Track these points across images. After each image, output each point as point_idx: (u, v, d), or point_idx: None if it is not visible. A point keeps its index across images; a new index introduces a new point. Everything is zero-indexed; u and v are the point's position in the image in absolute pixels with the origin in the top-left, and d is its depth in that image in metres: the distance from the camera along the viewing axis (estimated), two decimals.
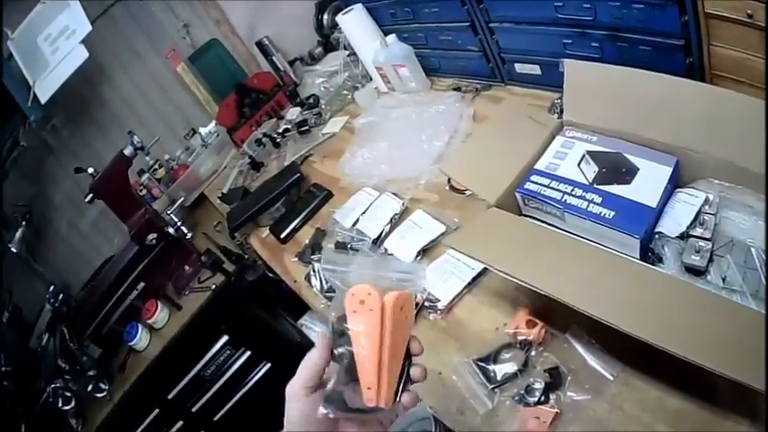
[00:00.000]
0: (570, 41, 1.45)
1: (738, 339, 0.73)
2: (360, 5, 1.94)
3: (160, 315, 1.87)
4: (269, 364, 2.00)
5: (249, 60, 2.42)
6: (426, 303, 1.19)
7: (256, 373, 2.01)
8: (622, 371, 0.91)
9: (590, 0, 1.32)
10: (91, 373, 1.79)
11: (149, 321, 1.86)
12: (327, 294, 1.34)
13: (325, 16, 2.36)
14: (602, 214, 0.99)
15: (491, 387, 0.99)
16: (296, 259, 1.55)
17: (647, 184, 1.02)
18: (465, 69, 1.88)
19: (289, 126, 2.09)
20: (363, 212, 1.52)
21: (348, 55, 2.14)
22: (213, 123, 2.33)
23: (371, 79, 2.10)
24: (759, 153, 0.89)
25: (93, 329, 1.88)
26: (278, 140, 2.08)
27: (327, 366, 0.70)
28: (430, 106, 1.80)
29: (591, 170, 1.08)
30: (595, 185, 1.05)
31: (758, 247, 0.87)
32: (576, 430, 0.88)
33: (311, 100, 2.14)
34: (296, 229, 1.67)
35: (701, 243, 0.91)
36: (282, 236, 1.65)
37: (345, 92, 2.13)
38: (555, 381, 0.94)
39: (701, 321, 0.76)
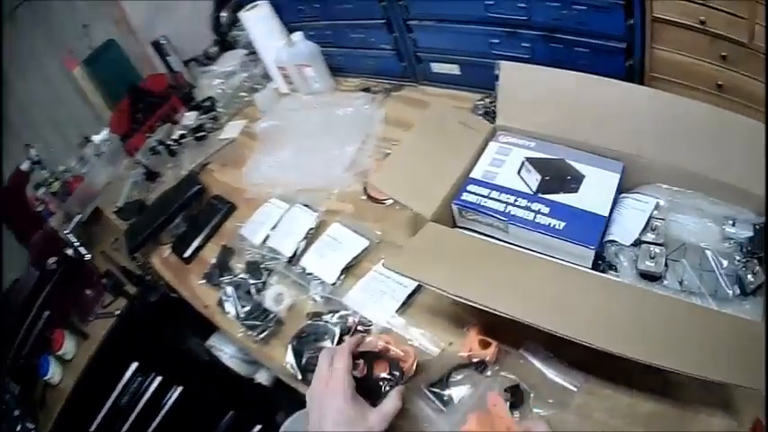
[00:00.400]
0: (498, 41, 1.40)
1: (701, 339, 0.75)
2: (265, 1, 1.80)
3: (68, 345, 1.67)
4: (180, 388, 1.83)
5: (145, 62, 2.20)
6: (360, 328, 1.08)
7: (169, 398, 1.83)
8: (585, 381, 0.89)
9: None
10: (16, 412, 1.61)
11: (59, 353, 1.66)
12: (246, 322, 1.19)
13: (224, 13, 2.19)
14: (552, 225, 0.94)
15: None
16: (203, 281, 1.38)
17: (596, 192, 0.99)
18: (374, 68, 1.80)
19: (184, 132, 1.90)
20: (273, 227, 1.38)
21: (247, 54, 2.00)
22: (107, 131, 2.08)
23: (271, 80, 1.96)
24: (707, 156, 0.93)
25: (8, 365, 1.70)
26: (173, 148, 1.88)
27: None
28: (337, 108, 1.69)
29: (533, 178, 1.02)
30: (540, 195, 1.00)
31: (712, 249, 0.89)
32: None
33: (207, 103, 1.96)
34: (199, 248, 1.49)
35: (655, 249, 0.91)
36: (186, 255, 1.48)
37: (243, 93, 1.98)
38: (517, 399, 0.89)
39: (662, 325, 0.77)
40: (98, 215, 1.94)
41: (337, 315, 1.10)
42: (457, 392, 0.93)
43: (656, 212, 0.96)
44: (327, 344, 1.05)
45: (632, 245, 0.93)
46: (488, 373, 0.94)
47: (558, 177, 1.02)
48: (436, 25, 1.49)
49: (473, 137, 1.13)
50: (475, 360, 0.95)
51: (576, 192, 0.99)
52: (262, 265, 1.31)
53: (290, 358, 1.05)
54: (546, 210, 0.97)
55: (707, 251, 0.90)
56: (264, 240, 1.36)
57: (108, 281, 1.68)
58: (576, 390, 0.88)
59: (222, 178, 1.73)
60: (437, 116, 1.20)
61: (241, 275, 1.30)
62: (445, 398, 0.93)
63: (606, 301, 0.82)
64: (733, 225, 0.92)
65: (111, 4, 2.10)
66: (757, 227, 0.90)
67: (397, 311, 1.09)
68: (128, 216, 1.72)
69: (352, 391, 0.81)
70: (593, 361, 0.86)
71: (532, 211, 0.97)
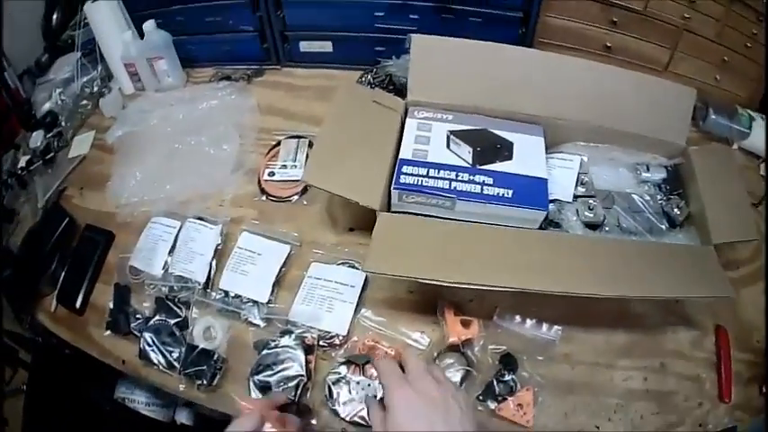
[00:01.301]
0: (382, 14, 1.39)
1: (650, 267, 0.92)
2: None
3: None
4: None
5: None
6: (322, 342, 1.04)
7: None
8: (562, 331, 1.00)
9: None
10: None
11: None
12: (188, 370, 1.06)
13: (55, 15, 1.94)
14: (501, 194, 0.98)
15: None
16: (109, 332, 1.20)
17: (529, 157, 1.04)
18: (229, 54, 1.69)
19: (32, 156, 1.66)
20: (170, 251, 1.24)
21: (82, 55, 1.76)
22: None
23: (115, 81, 1.77)
24: (614, 111, 1.09)
25: None
26: (24, 177, 1.63)
27: None
28: (198, 102, 1.55)
29: (465, 151, 1.03)
30: (478, 166, 1.01)
31: (636, 192, 1.08)
32: (554, 398, 0.96)
33: (48, 118, 1.71)
34: (88, 293, 1.29)
35: (591, 201, 1.05)
36: (78, 305, 1.27)
37: (85, 101, 1.75)
38: (512, 366, 0.98)
39: (612, 263, 0.92)
40: None
41: (293, 336, 1.03)
42: (453, 379, 0.96)
43: (580, 168, 1.09)
44: (294, 371, 0.99)
45: (572, 201, 1.06)
46: (476, 349, 0.98)
47: (488, 147, 1.04)
48: (311, 1, 1.44)
49: (390, 116, 1.11)
50: (462, 341, 0.98)
51: (510, 159, 1.03)
52: (175, 299, 1.17)
53: (258, 397, 0.98)
54: (490, 180, 0.99)
55: (633, 195, 1.07)
56: (165, 268, 1.22)
57: None
58: (557, 341, 0.99)
59: (85, 204, 1.51)
60: (349, 98, 1.15)
61: (157, 317, 1.15)
62: None
63: (567, 254, 0.94)
64: (647, 170, 1.10)
65: None
66: (669, 168, 1.10)
67: (354, 314, 1.06)
68: None
69: None
70: (560, 312, 1.01)
71: (477, 183, 0.99)
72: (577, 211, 1.04)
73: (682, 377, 0.97)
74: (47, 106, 1.77)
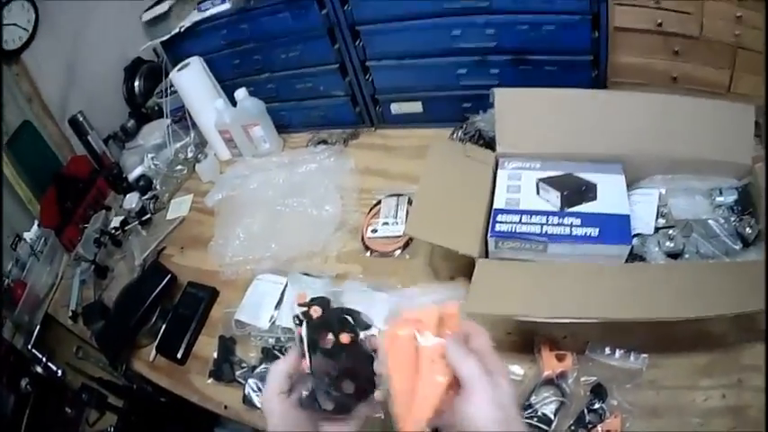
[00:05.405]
0: (465, 71, 1.62)
1: (724, 286, 1.03)
2: (197, 58, 1.91)
3: None
4: None
5: (62, 144, 2.17)
6: None
7: None
8: (648, 359, 1.10)
9: (494, 25, 1.46)
10: None
11: None
12: None
13: (137, 82, 2.30)
14: (588, 234, 1.17)
15: (552, 429, 1.08)
16: (212, 380, 1.42)
17: (611, 196, 1.24)
18: (324, 119, 1.96)
19: (126, 217, 1.96)
20: (277, 305, 1.47)
21: (173, 122, 2.08)
22: (36, 225, 2.04)
23: (209, 146, 2.08)
24: (685, 140, 1.24)
25: None
26: (118, 236, 1.93)
27: (294, 371, 0.85)
28: (297, 167, 1.83)
29: (554, 196, 1.25)
30: (566, 210, 1.22)
31: (710, 218, 1.21)
32: (640, 423, 1.05)
33: (142, 182, 2.03)
34: (191, 344, 1.54)
35: (670, 231, 1.20)
36: (179, 355, 1.52)
37: (180, 166, 2.07)
38: (601, 395, 1.09)
39: (690, 286, 1.05)
40: (47, 322, 1.93)
41: None
42: (548, 409, 1.10)
43: (659, 201, 1.25)
44: None
45: (654, 233, 1.21)
46: (570, 381, 1.13)
47: (575, 191, 1.25)
48: (397, 63, 1.68)
49: (481, 168, 1.35)
50: (556, 374, 1.13)
51: (595, 199, 1.24)
52: (280, 348, 1.38)
53: None
54: (578, 221, 1.19)
55: (709, 221, 1.21)
56: (272, 321, 1.45)
57: (87, 396, 1.68)
58: (644, 369, 1.10)
59: (185, 262, 1.79)
60: (442, 154, 1.41)
61: (263, 366, 1.36)
62: (542, 417, 1.09)
63: (649, 283, 1.08)
64: (720, 194, 1.23)
65: (21, 77, 2.06)
66: (739, 189, 1.23)
67: None
68: (90, 321, 1.72)
69: (281, 394, 0.86)
70: (645, 341, 1.11)
71: (566, 225, 1.20)
72: (659, 242, 1.19)
73: (757, 390, 1.03)
74: (138, 170, 2.09)
